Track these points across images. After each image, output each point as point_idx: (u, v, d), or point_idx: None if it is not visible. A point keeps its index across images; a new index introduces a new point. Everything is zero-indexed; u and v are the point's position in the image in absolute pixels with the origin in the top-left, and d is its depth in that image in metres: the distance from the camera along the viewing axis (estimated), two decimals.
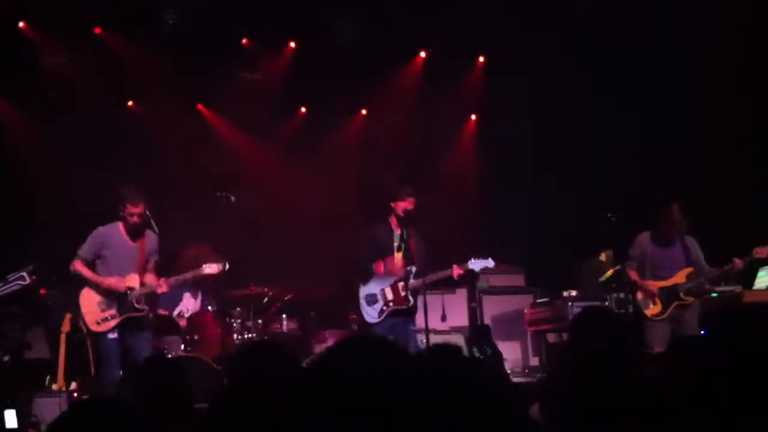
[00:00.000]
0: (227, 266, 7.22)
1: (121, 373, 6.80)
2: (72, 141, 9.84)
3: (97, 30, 10.13)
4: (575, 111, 10.41)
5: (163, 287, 7.05)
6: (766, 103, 8.73)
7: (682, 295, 7.51)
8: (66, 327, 7.76)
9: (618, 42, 9.51)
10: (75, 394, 7.30)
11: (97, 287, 6.97)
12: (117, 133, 10.08)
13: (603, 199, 8.76)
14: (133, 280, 6.98)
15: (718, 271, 7.61)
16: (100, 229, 7.11)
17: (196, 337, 8.08)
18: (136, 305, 6.94)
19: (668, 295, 7.54)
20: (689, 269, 7.57)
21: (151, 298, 7.18)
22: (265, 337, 8.51)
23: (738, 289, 7.72)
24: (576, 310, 8.77)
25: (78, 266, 7.02)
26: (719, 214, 8.46)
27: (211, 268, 7.18)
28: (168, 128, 10.36)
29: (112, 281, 6.93)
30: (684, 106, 9.39)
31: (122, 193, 7.03)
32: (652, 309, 7.53)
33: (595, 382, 3.08)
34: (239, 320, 8.60)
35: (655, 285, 7.59)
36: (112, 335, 6.91)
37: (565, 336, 9.04)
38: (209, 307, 8.57)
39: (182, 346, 7.93)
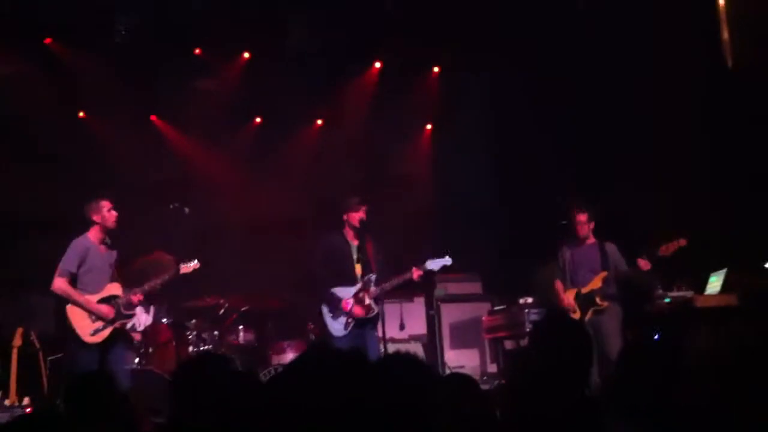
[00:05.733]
0: (198, 264, 7.31)
1: None
2: (22, 152, 9.67)
3: (47, 41, 9.97)
4: (530, 119, 10.48)
5: (138, 296, 6.96)
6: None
7: (597, 300, 7.71)
8: (17, 341, 7.62)
9: (575, 44, 9.59)
10: (28, 410, 7.15)
11: (83, 308, 6.72)
12: (69, 144, 9.92)
13: (558, 206, 8.81)
14: (115, 288, 6.88)
15: (623, 275, 7.79)
16: (77, 241, 6.87)
17: (150, 350, 7.97)
18: (124, 312, 6.85)
19: (585, 302, 7.75)
20: (604, 273, 7.76)
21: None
22: (222, 349, 8.43)
23: (689, 294, 7.83)
24: (532, 317, 8.88)
25: (62, 285, 6.70)
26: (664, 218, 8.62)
27: (187, 268, 7.23)
28: (122, 139, 10.24)
29: (102, 309, 6.74)
30: (642, 114, 9.46)
31: (97, 196, 6.92)
32: (573, 316, 7.64)
33: (553, 387, 3.10)
34: (195, 332, 8.51)
35: (570, 296, 7.82)
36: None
37: (522, 343, 9.11)
38: (164, 319, 8.46)
39: (136, 360, 7.82)
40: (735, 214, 8.17)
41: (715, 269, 7.87)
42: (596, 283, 7.77)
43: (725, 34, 8.31)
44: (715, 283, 7.80)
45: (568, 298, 7.84)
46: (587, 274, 7.83)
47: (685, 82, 8.60)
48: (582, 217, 7.90)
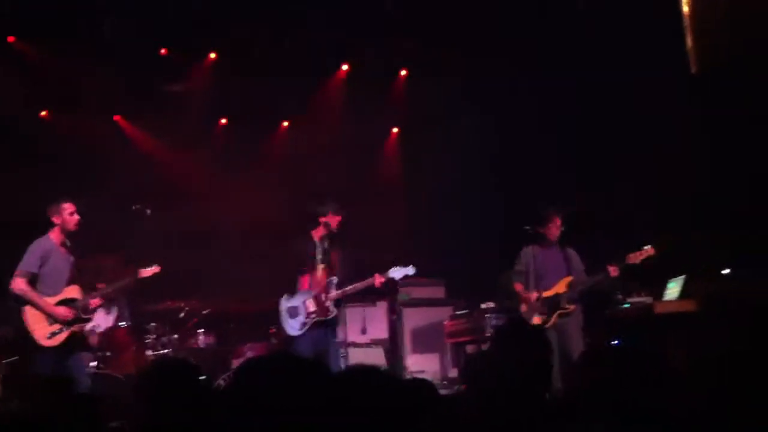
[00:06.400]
0: (158, 269, 7.29)
1: None
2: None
3: (11, 39, 9.84)
4: (498, 123, 10.50)
5: (96, 300, 6.95)
6: None
7: (563, 303, 7.78)
8: None
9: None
10: None
11: (42, 310, 6.69)
12: (36, 145, 9.84)
13: (523, 211, 8.85)
14: (74, 291, 6.86)
15: (592, 280, 7.87)
16: (39, 241, 6.87)
17: (108, 354, 7.89)
18: (82, 315, 6.83)
19: (551, 305, 7.81)
20: (569, 278, 7.86)
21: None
22: (182, 353, 8.36)
23: (649, 300, 7.91)
24: (493, 322, 8.91)
25: (22, 285, 6.69)
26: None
27: (146, 272, 7.21)
28: (88, 139, 10.16)
29: (60, 311, 6.70)
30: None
31: (59, 198, 6.92)
32: (537, 319, 7.73)
33: (514, 392, 3.11)
34: (154, 335, 8.43)
35: (537, 295, 7.86)
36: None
37: (483, 347, 9.13)
38: (122, 323, 8.38)
39: (94, 363, 7.73)
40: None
41: (674, 275, 7.96)
42: (561, 287, 7.84)
43: (689, 41, 8.43)
44: (673, 289, 7.87)
45: (532, 298, 7.87)
46: (553, 278, 7.90)
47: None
48: (559, 221, 7.99)
